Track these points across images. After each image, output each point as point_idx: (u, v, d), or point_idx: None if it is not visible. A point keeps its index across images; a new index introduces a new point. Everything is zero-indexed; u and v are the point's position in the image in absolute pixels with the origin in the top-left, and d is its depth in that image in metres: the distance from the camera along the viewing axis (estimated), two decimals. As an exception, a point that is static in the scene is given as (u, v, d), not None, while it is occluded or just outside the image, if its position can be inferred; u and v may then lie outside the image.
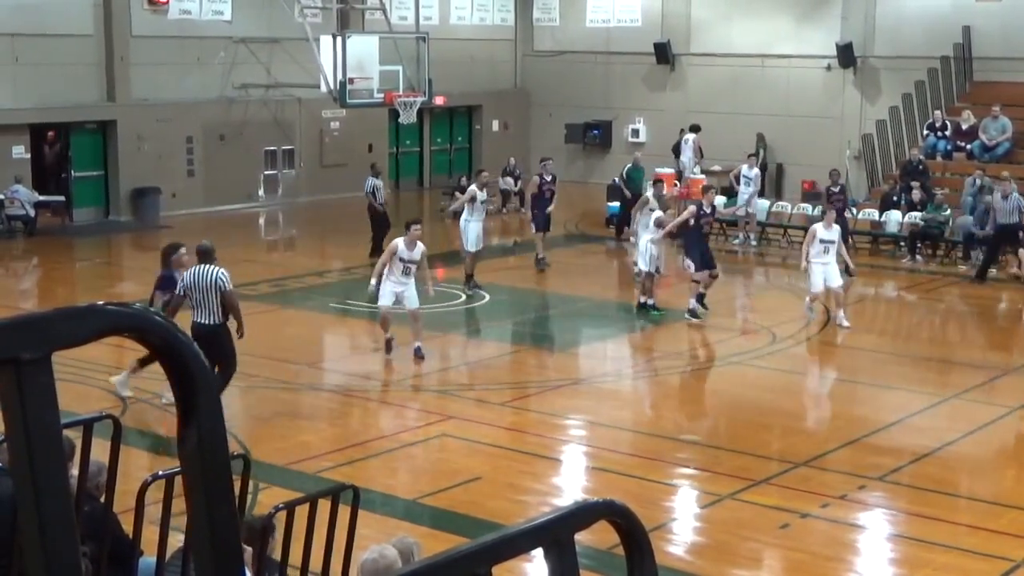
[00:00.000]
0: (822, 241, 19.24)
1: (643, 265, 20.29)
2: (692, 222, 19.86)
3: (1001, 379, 16.83)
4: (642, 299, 20.10)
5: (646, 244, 20.34)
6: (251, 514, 5.65)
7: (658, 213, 20.49)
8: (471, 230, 21.75)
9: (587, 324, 20.70)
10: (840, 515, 11.83)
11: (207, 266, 14.08)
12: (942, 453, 13.69)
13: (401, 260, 16.85)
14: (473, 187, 22.22)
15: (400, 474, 13.05)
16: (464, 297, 21.54)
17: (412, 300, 17.04)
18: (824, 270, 19.16)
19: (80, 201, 29.71)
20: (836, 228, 19.81)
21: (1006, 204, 23.28)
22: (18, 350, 1.60)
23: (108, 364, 15.15)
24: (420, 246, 17.02)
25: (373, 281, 17.15)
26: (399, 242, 16.99)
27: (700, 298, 19.87)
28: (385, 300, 17.00)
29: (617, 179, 28.45)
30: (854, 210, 27.41)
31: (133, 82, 29.81)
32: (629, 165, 28.34)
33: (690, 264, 19.86)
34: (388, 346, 17.17)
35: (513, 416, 15.08)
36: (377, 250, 25.24)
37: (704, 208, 20.12)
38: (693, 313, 19.69)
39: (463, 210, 22.15)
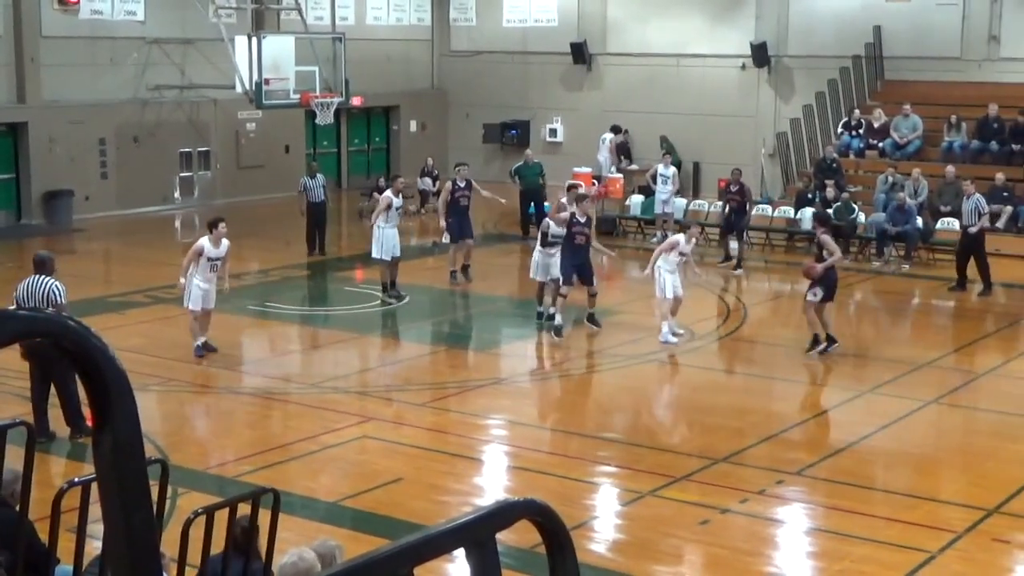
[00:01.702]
0: (681, 254, 18.70)
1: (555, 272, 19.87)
2: (564, 231, 18.74)
3: (913, 373, 17.09)
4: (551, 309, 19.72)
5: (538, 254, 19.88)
6: (240, 520, 5.62)
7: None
8: (388, 237, 21.10)
9: (506, 324, 20.73)
10: (759, 510, 11.95)
11: (42, 277, 13.74)
12: (858, 447, 13.89)
13: (208, 259, 16.96)
14: (388, 193, 21.59)
15: (321, 477, 12.98)
16: (381, 298, 21.45)
17: (212, 300, 17.22)
18: (673, 279, 18.48)
19: (-10, 205, 29.24)
20: (693, 242, 19.54)
21: (966, 206, 22.46)
22: (-73, 357, 1.57)
23: (20, 369, 14.89)
24: (226, 243, 17.16)
25: (181, 280, 17.19)
26: (204, 241, 17.06)
27: (591, 317, 18.98)
28: (196, 304, 17.04)
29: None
30: (768, 208, 27.86)
31: (44, 83, 29.36)
32: (520, 163, 28.40)
33: (558, 276, 18.81)
34: (208, 347, 17.24)
35: (433, 417, 15.06)
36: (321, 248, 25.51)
37: (578, 217, 18.72)
38: (558, 331, 18.59)
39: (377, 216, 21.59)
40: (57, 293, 13.50)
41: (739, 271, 24.01)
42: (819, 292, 17.64)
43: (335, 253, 26.06)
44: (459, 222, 23.10)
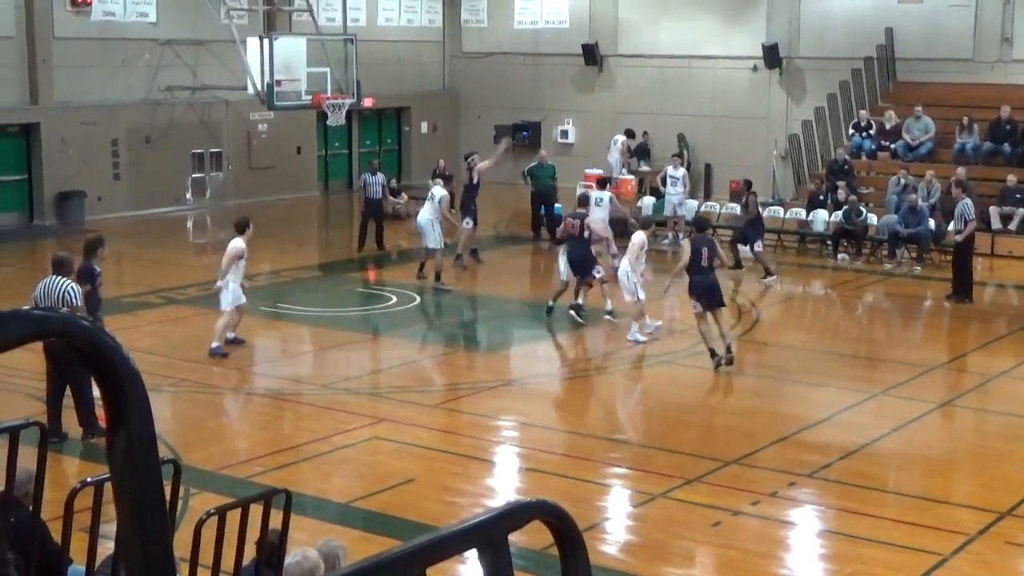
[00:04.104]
0: (648, 252, 18.99)
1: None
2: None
3: (925, 375, 17.05)
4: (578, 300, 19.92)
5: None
6: (271, 533, 5.66)
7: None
8: (439, 229, 22.18)
9: (518, 325, 20.72)
10: (771, 512, 11.93)
11: (58, 278, 13.79)
12: (870, 449, 13.86)
13: (244, 260, 17.44)
14: (440, 189, 22.68)
15: (333, 477, 12.99)
16: (394, 299, 21.53)
17: (243, 297, 17.72)
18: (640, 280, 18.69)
19: (3, 205, 29.27)
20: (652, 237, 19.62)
21: (956, 211, 22.23)
22: (-58, 356, 1.57)
23: (34, 370, 14.94)
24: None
25: (219, 283, 17.45)
26: (241, 242, 17.37)
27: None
28: (239, 302, 17.47)
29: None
30: (780, 209, 27.83)
31: (56, 84, 29.41)
32: (534, 163, 28.41)
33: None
34: (236, 340, 17.79)
35: (445, 418, 15.06)
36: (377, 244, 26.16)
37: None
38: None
39: (426, 211, 22.51)
40: (73, 294, 13.55)
41: (772, 278, 23.77)
42: (697, 305, 17.03)
43: (351, 254, 26.08)
44: (476, 205, 24.51)
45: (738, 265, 24.41)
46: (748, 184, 26.02)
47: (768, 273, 23.88)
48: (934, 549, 10.95)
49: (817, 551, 11.32)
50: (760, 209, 25.40)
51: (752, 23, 33.49)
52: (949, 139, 28.91)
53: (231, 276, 17.31)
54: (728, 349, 16.91)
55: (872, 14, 31.45)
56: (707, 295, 17.01)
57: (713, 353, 16.94)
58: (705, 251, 17.13)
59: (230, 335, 17.77)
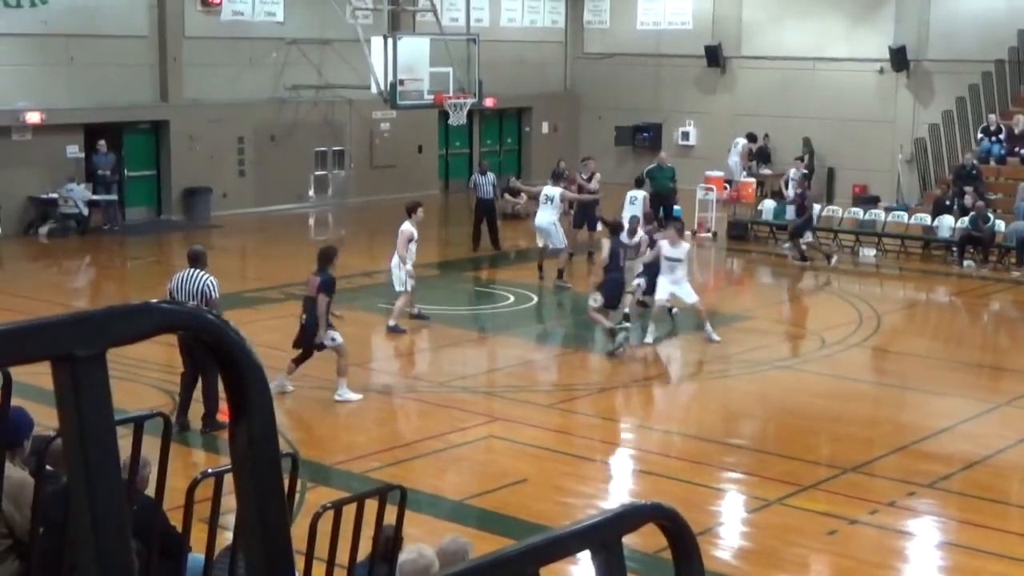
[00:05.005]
0: (667, 259, 18.50)
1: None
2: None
3: (1054, 387, 16.64)
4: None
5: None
6: (386, 529, 5.74)
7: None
8: (561, 229, 22.63)
9: (634, 327, 20.60)
10: (889, 522, 11.74)
11: (196, 271, 14.01)
12: (993, 461, 13.56)
13: (414, 242, 18.62)
14: (553, 189, 23.17)
15: (447, 475, 13.07)
16: (511, 299, 21.60)
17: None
18: (673, 288, 18.44)
19: (133, 200, 29.97)
20: (684, 246, 18.91)
21: None
22: (74, 347, 1.61)
23: (159, 362, 15.27)
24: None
25: (407, 266, 18.52)
26: (410, 225, 18.59)
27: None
28: (407, 284, 18.64)
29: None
30: (904, 215, 27.34)
31: (186, 83, 30.02)
32: (653, 165, 28.22)
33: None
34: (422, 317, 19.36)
35: (560, 418, 15.07)
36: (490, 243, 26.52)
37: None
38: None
39: (545, 213, 22.85)
40: (212, 288, 13.79)
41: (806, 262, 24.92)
42: (599, 298, 17.54)
43: (469, 253, 26.24)
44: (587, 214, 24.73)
45: (803, 258, 25.02)
46: (807, 177, 26.44)
47: (828, 257, 25.20)
48: (1058, 565, 10.69)
49: (936, 563, 11.12)
50: (813, 206, 26.26)
51: (879, 24, 32.98)
52: (1082, 145, 28.16)
53: (407, 258, 18.39)
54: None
55: (1004, 16, 30.75)
56: (616, 294, 17.84)
57: (614, 332, 17.51)
58: (621, 253, 17.89)
59: (414, 310, 19.13)
